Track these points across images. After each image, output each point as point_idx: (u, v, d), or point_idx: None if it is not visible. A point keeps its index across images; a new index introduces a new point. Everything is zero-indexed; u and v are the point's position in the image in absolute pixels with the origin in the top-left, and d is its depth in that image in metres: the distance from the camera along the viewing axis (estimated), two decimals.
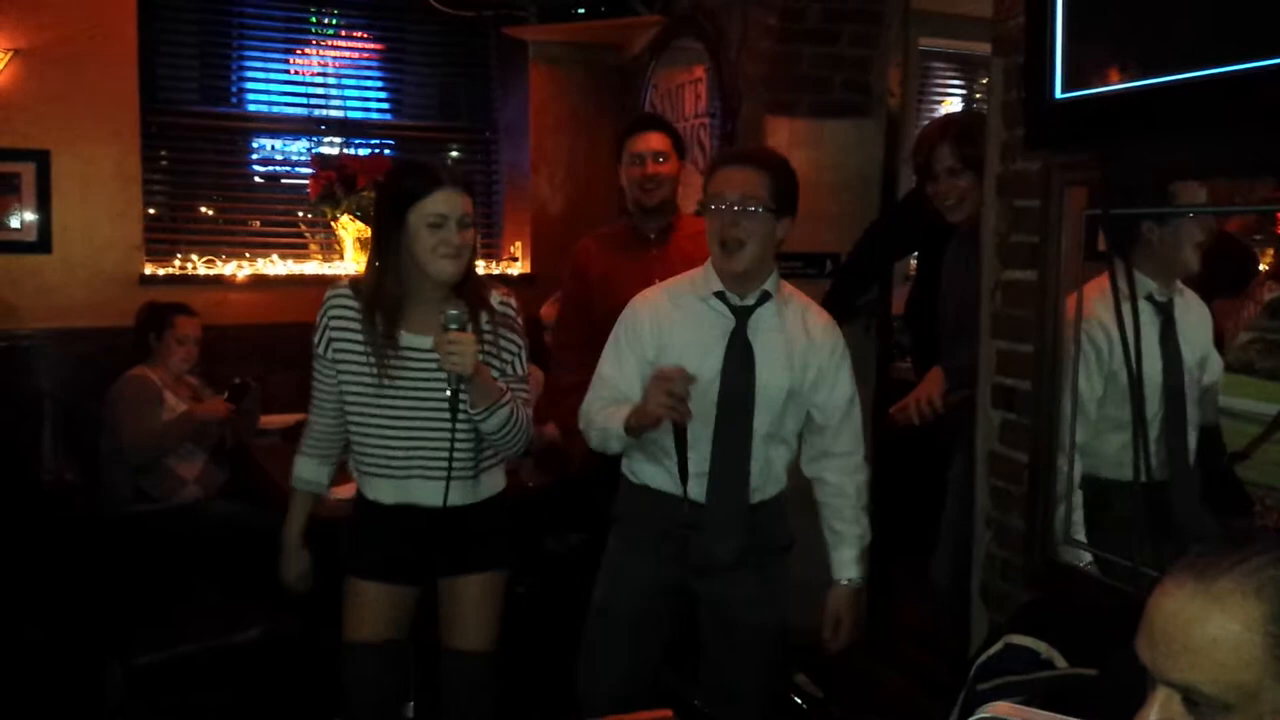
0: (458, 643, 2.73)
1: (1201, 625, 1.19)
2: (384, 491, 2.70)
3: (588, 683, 2.77)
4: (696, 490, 2.56)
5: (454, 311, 2.50)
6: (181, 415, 4.29)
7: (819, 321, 2.70)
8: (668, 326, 2.59)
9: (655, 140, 3.66)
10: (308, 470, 2.84)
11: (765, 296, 2.60)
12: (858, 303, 4.17)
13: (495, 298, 2.69)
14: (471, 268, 2.67)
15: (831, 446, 2.72)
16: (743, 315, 2.57)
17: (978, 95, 6.15)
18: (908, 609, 4.50)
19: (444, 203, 2.56)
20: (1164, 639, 1.22)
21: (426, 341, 2.58)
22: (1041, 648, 1.84)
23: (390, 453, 2.66)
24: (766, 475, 2.65)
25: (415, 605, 2.76)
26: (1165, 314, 2.49)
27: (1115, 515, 2.50)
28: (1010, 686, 1.80)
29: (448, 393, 2.52)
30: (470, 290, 2.63)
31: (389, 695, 2.79)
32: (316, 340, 2.67)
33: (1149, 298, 2.49)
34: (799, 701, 3.96)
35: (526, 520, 2.83)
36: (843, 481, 2.73)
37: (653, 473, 2.65)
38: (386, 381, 2.61)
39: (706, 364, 2.53)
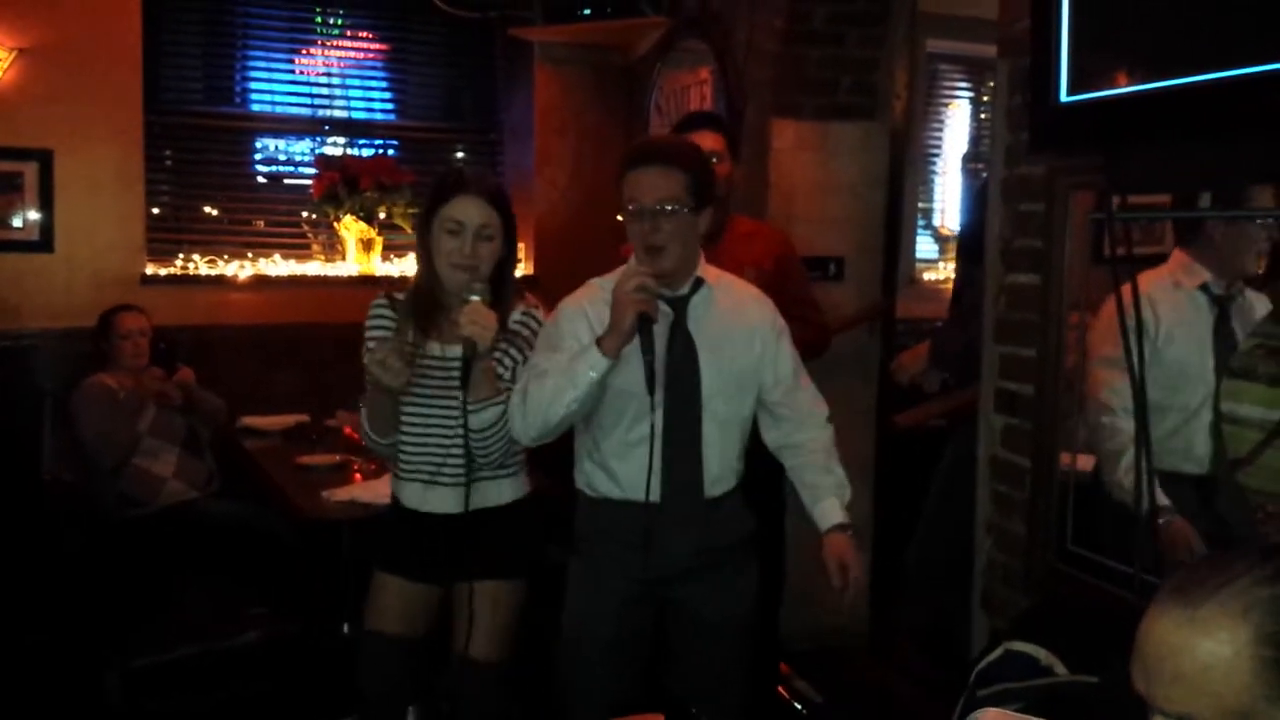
0: (467, 650, 2.72)
1: (1190, 655, 1.18)
2: (404, 493, 2.75)
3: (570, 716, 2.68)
4: (653, 490, 2.50)
5: (478, 285, 2.53)
6: (124, 398, 4.31)
7: (753, 298, 2.68)
8: (598, 329, 2.48)
9: (709, 140, 3.48)
10: None
11: (699, 283, 2.56)
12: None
13: (519, 310, 2.68)
14: (506, 285, 2.67)
15: (791, 415, 2.68)
16: (680, 305, 2.54)
17: (985, 98, 6.13)
18: (908, 612, 4.48)
19: (462, 209, 2.58)
20: (1156, 670, 1.20)
21: (447, 350, 2.62)
22: (1041, 654, 1.83)
23: (410, 455, 2.70)
24: (724, 465, 2.59)
25: (436, 605, 2.77)
26: (1221, 307, 2.48)
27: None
28: (1010, 693, 1.79)
29: (461, 387, 2.52)
30: (497, 308, 2.58)
31: (401, 687, 2.80)
32: (364, 350, 2.70)
33: (1203, 287, 2.49)
34: (798, 706, 3.95)
35: (548, 535, 2.81)
36: (806, 439, 2.67)
37: (608, 482, 2.58)
38: (415, 386, 2.62)
39: (641, 361, 2.46)
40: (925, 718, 3.84)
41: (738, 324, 2.60)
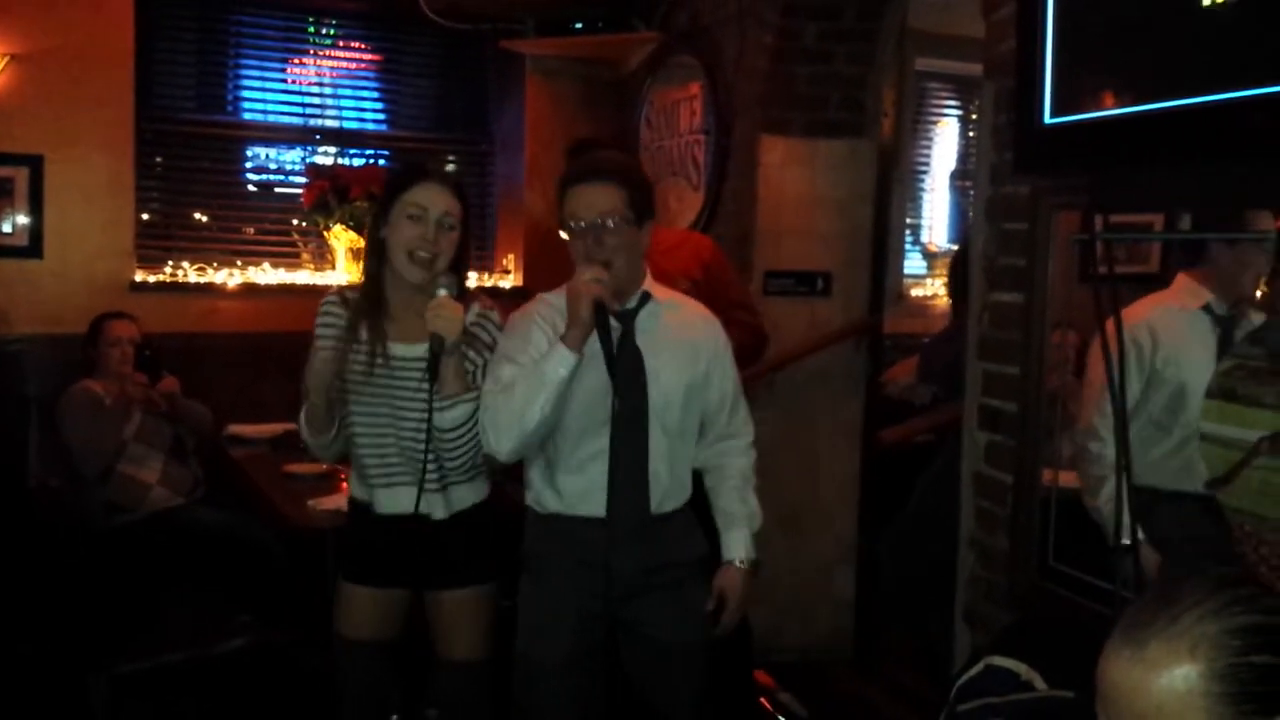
0: (447, 654, 2.73)
1: (1145, 695, 1.19)
2: (366, 495, 2.70)
3: None
4: (601, 505, 2.50)
5: (444, 279, 2.51)
6: (110, 404, 4.32)
7: (700, 315, 2.69)
8: (555, 336, 2.48)
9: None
10: None
11: (645, 297, 2.58)
12: None
13: (474, 311, 2.64)
14: (464, 281, 2.64)
15: (724, 433, 2.69)
16: (627, 319, 2.55)
17: (973, 116, 6.17)
18: (892, 628, 4.51)
19: (425, 195, 2.55)
20: (1115, 711, 1.22)
21: (407, 350, 2.58)
22: (1021, 669, 1.85)
23: (366, 458, 2.65)
24: (673, 480, 2.59)
25: (407, 605, 2.74)
26: (1224, 328, 2.51)
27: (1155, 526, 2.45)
28: (990, 707, 1.80)
29: (429, 383, 2.47)
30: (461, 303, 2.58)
31: (382, 689, 2.78)
32: (312, 350, 2.66)
33: (1206, 308, 2.52)
34: None
35: (513, 537, 2.81)
36: (731, 464, 2.69)
37: (556, 498, 2.57)
38: (366, 387, 2.59)
39: (597, 372, 2.47)
40: None
41: (685, 339, 2.61)
